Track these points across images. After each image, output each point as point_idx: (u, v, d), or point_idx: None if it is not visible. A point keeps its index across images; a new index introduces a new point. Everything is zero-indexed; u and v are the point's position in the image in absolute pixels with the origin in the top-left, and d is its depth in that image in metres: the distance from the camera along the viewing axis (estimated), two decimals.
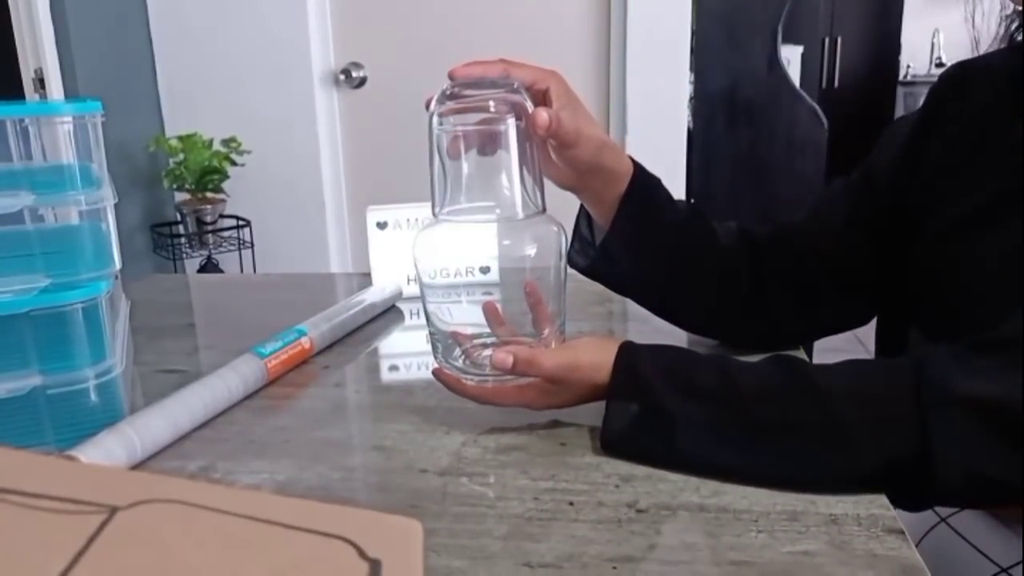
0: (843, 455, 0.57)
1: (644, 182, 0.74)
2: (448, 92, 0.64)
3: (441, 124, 0.65)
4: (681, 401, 0.60)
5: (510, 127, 0.64)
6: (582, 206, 0.78)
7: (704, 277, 0.78)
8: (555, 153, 0.69)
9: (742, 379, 0.60)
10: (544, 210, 0.67)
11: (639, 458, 0.62)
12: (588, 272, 0.79)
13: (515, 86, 0.65)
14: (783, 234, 0.80)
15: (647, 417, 0.61)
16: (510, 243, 0.67)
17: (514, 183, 0.65)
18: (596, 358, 0.63)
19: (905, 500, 0.58)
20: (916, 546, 0.75)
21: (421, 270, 0.68)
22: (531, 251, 0.66)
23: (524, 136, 0.65)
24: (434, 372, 0.69)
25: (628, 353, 0.63)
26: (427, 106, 0.65)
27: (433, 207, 0.66)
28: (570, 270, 0.71)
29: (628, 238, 0.74)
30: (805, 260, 0.78)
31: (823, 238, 0.78)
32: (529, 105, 0.65)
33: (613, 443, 0.63)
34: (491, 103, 0.65)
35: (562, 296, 0.68)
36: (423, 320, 0.71)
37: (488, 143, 0.65)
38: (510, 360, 0.62)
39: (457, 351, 0.70)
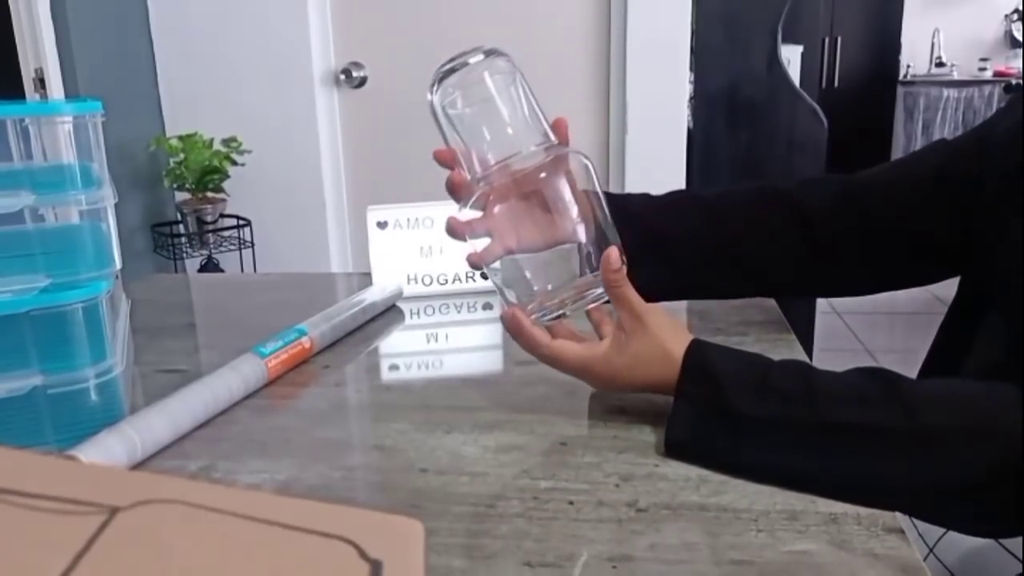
0: (929, 462, 0.54)
1: (611, 197, 0.75)
2: (435, 76, 0.67)
3: (447, 108, 0.67)
4: (753, 399, 0.58)
5: (492, 75, 0.67)
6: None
7: (724, 249, 0.78)
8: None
9: (821, 379, 0.59)
10: (556, 141, 0.68)
11: (705, 461, 0.60)
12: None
13: (486, 47, 0.67)
14: (857, 181, 0.78)
15: (714, 416, 0.60)
16: (546, 176, 0.66)
17: (517, 122, 0.67)
18: (664, 320, 0.64)
19: (988, 519, 0.57)
20: (936, 544, 0.75)
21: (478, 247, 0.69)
22: (566, 191, 0.66)
23: (510, 77, 0.67)
24: (502, 316, 0.67)
25: (699, 349, 0.62)
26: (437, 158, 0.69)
27: (473, 178, 0.68)
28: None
29: (632, 251, 0.74)
30: (872, 208, 0.76)
31: (900, 188, 0.75)
32: (508, 56, 0.67)
33: (678, 445, 0.61)
34: (474, 68, 0.67)
35: (606, 221, 0.68)
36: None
37: (482, 97, 0.68)
38: (619, 262, 0.62)
39: (531, 307, 0.69)
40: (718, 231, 0.78)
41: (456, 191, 0.69)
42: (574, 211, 0.66)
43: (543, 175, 0.66)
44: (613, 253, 0.63)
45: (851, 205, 0.76)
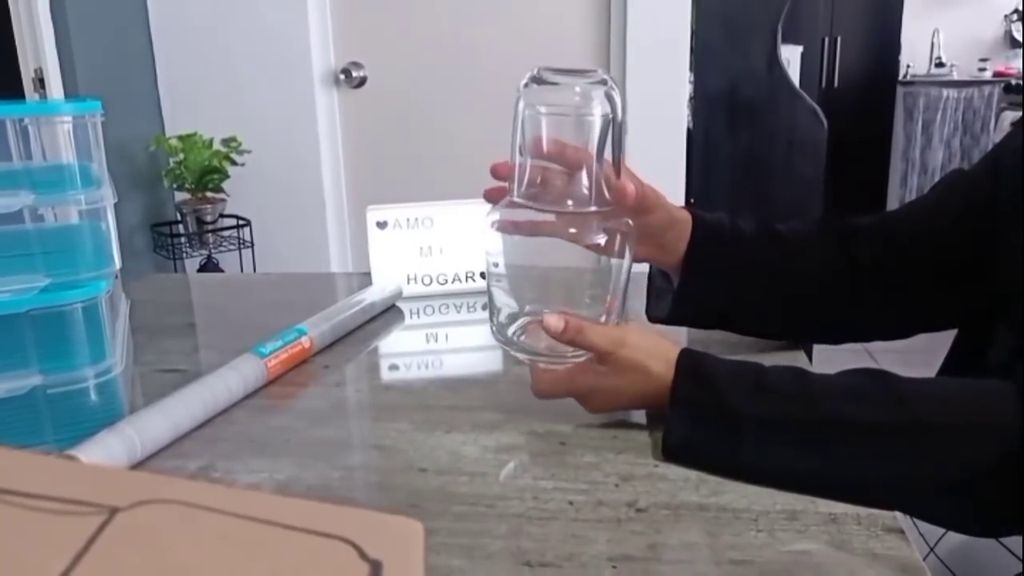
0: (929, 459, 0.55)
1: (705, 220, 0.75)
2: (536, 76, 0.64)
3: (527, 108, 0.64)
4: (749, 399, 0.58)
5: (596, 118, 0.64)
6: (651, 266, 0.80)
7: (785, 289, 0.77)
8: (636, 222, 0.69)
9: (817, 380, 0.59)
10: (607, 203, 0.66)
11: (703, 463, 0.60)
12: (669, 320, 0.78)
13: (602, 76, 0.64)
14: (887, 222, 0.78)
15: (713, 419, 0.59)
16: (576, 232, 0.65)
17: (592, 175, 0.65)
18: (644, 342, 0.63)
19: (987, 518, 0.57)
20: (937, 543, 0.75)
21: (491, 250, 0.68)
22: (600, 241, 0.65)
23: (607, 128, 0.64)
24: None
25: (691, 356, 0.62)
26: (494, 172, 0.67)
27: (510, 189, 0.66)
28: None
29: (702, 275, 0.74)
30: (908, 250, 0.75)
31: (935, 230, 0.74)
32: (616, 95, 0.64)
33: (676, 449, 0.61)
34: (577, 90, 0.64)
35: (624, 294, 0.68)
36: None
37: (571, 132, 0.66)
38: (562, 323, 0.62)
39: (513, 326, 0.69)
40: (786, 271, 0.77)
41: (496, 177, 0.69)
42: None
43: (572, 230, 0.65)
44: (550, 321, 0.63)
45: (891, 246, 0.76)
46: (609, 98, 0.64)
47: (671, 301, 0.76)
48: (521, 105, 0.64)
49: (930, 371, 0.75)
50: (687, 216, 0.75)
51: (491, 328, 0.71)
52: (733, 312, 0.79)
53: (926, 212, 0.77)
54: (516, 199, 0.66)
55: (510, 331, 0.69)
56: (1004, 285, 0.67)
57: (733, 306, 0.78)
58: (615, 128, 0.64)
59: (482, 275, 1.06)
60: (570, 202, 0.66)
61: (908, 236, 0.76)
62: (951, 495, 0.56)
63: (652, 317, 0.79)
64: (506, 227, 0.67)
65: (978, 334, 0.74)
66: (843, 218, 0.80)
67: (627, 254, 0.66)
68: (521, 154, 0.66)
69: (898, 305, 0.77)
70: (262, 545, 0.22)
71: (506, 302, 0.69)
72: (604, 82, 0.64)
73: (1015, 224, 0.66)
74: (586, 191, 0.65)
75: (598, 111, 0.64)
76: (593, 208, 0.65)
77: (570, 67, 0.64)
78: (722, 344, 0.84)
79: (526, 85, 0.64)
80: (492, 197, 0.69)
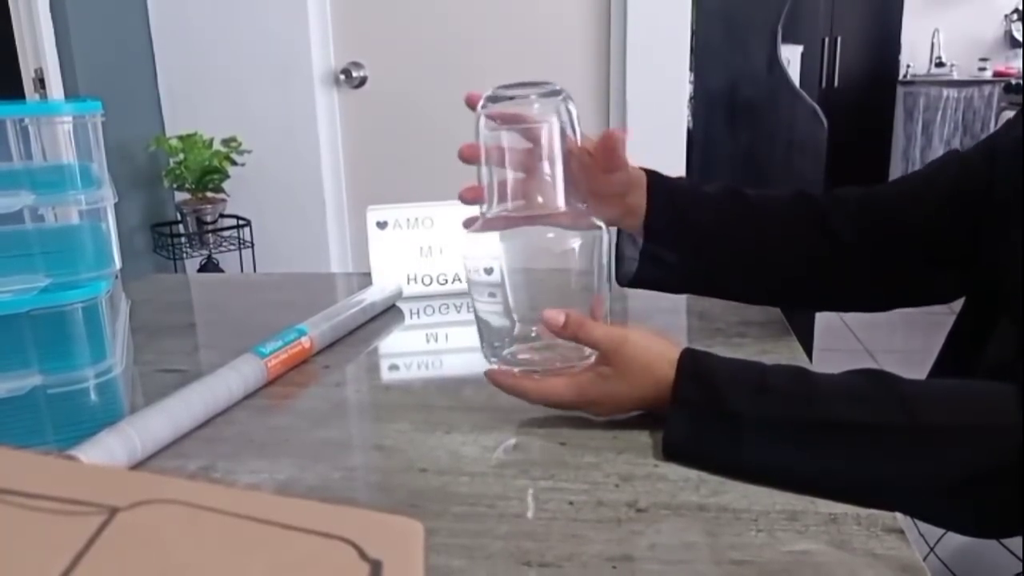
0: (929, 460, 0.55)
1: (663, 179, 0.77)
2: (492, 94, 0.66)
3: (487, 126, 0.67)
4: (751, 399, 0.58)
5: (553, 126, 0.67)
6: (619, 230, 0.80)
7: (756, 254, 0.78)
8: (598, 181, 0.72)
9: (818, 380, 0.59)
10: (585, 206, 0.69)
11: (703, 464, 0.60)
12: (638, 283, 0.79)
13: (555, 86, 0.67)
14: (874, 195, 0.78)
15: (713, 419, 0.59)
16: (554, 236, 0.67)
17: (556, 179, 0.67)
18: (646, 341, 0.63)
19: (988, 519, 0.57)
20: (937, 544, 0.75)
21: (470, 267, 0.69)
22: (575, 244, 0.66)
23: (557, 128, 0.67)
24: (486, 374, 0.69)
25: (693, 356, 0.62)
26: (468, 102, 0.69)
27: (481, 207, 0.69)
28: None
29: (665, 233, 0.75)
30: (895, 225, 0.75)
31: (921, 204, 0.75)
32: (571, 106, 0.68)
33: (676, 449, 0.61)
34: (535, 103, 0.67)
35: (606, 295, 0.69)
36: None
37: (533, 142, 0.69)
38: (562, 317, 0.63)
39: (507, 348, 0.70)
40: (752, 233, 0.78)
41: (465, 202, 0.72)
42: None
43: (551, 235, 0.67)
44: (549, 315, 0.64)
45: (873, 218, 0.76)
46: (561, 109, 0.67)
47: (640, 264, 0.77)
48: (482, 123, 0.67)
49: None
50: (644, 176, 0.76)
51: (483, 351, 0.71)
52: (702, 275, 0.80)
53: (915, 187, 0.78)
54: (490, 216, 0.68)
55: (505, 352, 0.70)
56: (1005, 283, 0.67)
57: (700, 268, 0.79)
58: (573, 135, 0.68)
59: (486, 271, 1.06)
60: (541, 200, 0.68)
61: (893, 209, 0.76)
62: (952, 496, 0.56)
63: (621, 282, 0.81)
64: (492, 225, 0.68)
65: (977, 322, 0.74)
66: (827, 191, 0.80)
67: (604, 253, 0.68)
68: (488, 171, 0.68)
69: (879, 277, 0.77)
70: (262, 545, 0.22)
71: (499, 322, 0.70)
72: (557, 92, 0.67)
73: (1015, 221, 0.66)
74: (555, 195, 0.67)
75: (555, 118, 0.67)
76: (564, 208, 0.67)
77: (522, 81, 0.67)
78: (723, 344, 0.84)
79: (483, 106, 0.67)
80: (467, 198, 0.72)
